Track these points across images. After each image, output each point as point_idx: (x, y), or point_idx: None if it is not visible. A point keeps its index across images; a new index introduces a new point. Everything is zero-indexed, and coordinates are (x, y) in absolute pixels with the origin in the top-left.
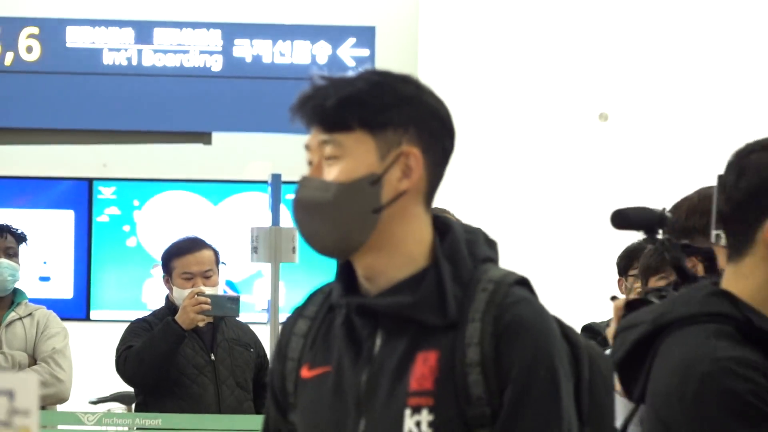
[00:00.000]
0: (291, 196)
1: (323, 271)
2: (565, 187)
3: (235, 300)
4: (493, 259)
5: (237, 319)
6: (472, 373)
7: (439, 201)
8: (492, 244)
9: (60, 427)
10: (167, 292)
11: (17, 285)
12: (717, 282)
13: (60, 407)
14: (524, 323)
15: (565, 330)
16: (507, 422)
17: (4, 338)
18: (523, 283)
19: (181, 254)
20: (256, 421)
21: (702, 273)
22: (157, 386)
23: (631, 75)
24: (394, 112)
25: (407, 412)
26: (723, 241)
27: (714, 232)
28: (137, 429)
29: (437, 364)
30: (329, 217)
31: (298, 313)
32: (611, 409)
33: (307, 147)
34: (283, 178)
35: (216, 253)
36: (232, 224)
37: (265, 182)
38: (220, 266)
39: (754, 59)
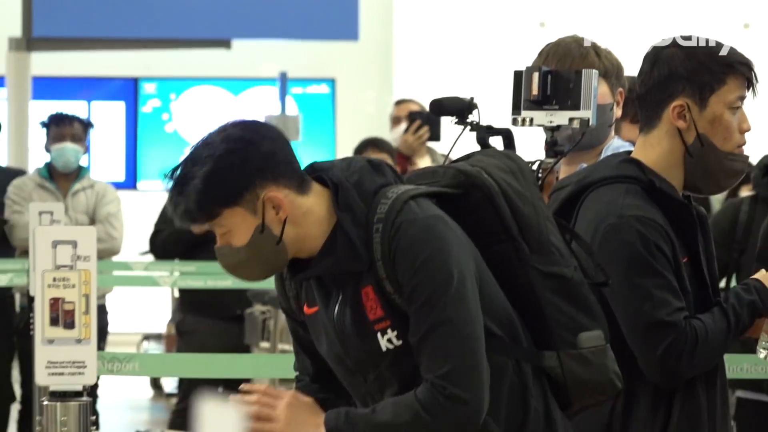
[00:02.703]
0: (296, 90)
1: (321, 147)
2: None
3: None
4: (386, 183)
5: None
6: (396, 298)
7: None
8: (379, 168)
9: (115, 272)
10: None
11: (83, 162)
12: (630, 152)
13: (114, 258)
14: (406, 247)
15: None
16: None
17: (70, 204)
18: (413, 197)
19: None
20: None
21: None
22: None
23: None
24: (235, 185)
25: (378, 335)
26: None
27: (512, 117)
28: (175, 273)
29: (375, 296)
30: (253, 266)
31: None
32: (535, 220)
33: None
34: (289, 76)
35: None
36: (248, 112)
37: (275, 78)
38: None
39: None
